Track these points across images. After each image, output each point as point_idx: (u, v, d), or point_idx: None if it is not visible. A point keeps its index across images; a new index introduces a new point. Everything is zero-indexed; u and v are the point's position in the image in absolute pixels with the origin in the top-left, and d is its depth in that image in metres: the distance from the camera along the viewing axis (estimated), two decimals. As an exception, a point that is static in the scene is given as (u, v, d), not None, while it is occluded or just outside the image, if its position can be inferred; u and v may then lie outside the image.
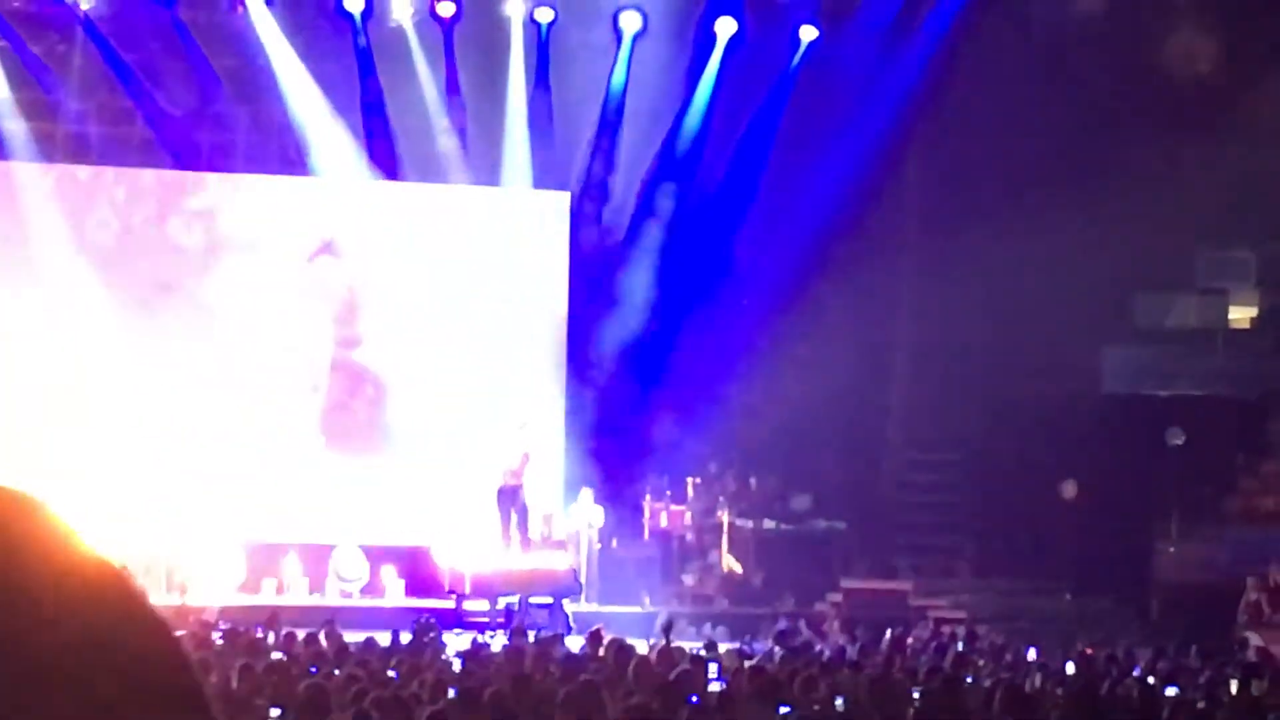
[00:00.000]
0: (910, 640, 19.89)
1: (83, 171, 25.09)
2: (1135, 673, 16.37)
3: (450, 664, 15.42)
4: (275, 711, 11.45)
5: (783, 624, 21.25)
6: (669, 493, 26.04)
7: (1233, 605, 23.34)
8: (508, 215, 26.40)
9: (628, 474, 26.05)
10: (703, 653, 16.21)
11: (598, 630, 17.14)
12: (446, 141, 26.27)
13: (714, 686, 13.37)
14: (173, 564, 23.32)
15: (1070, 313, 26.46)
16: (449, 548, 23.85)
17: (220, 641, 16.19)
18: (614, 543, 25.38)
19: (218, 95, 25.64)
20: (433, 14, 25.85)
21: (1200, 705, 13.13)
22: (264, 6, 25.37)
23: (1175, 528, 25.69)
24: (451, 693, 12.05)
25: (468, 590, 22.89)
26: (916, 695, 12.89)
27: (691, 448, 26.38)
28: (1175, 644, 19.30)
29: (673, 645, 16.14)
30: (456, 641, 18.48)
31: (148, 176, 25.20)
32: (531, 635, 17.93)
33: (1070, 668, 16.91)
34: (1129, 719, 12.73)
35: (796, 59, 26.87)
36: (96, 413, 24.37)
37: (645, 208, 26.87)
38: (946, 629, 21.78)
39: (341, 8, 25.56)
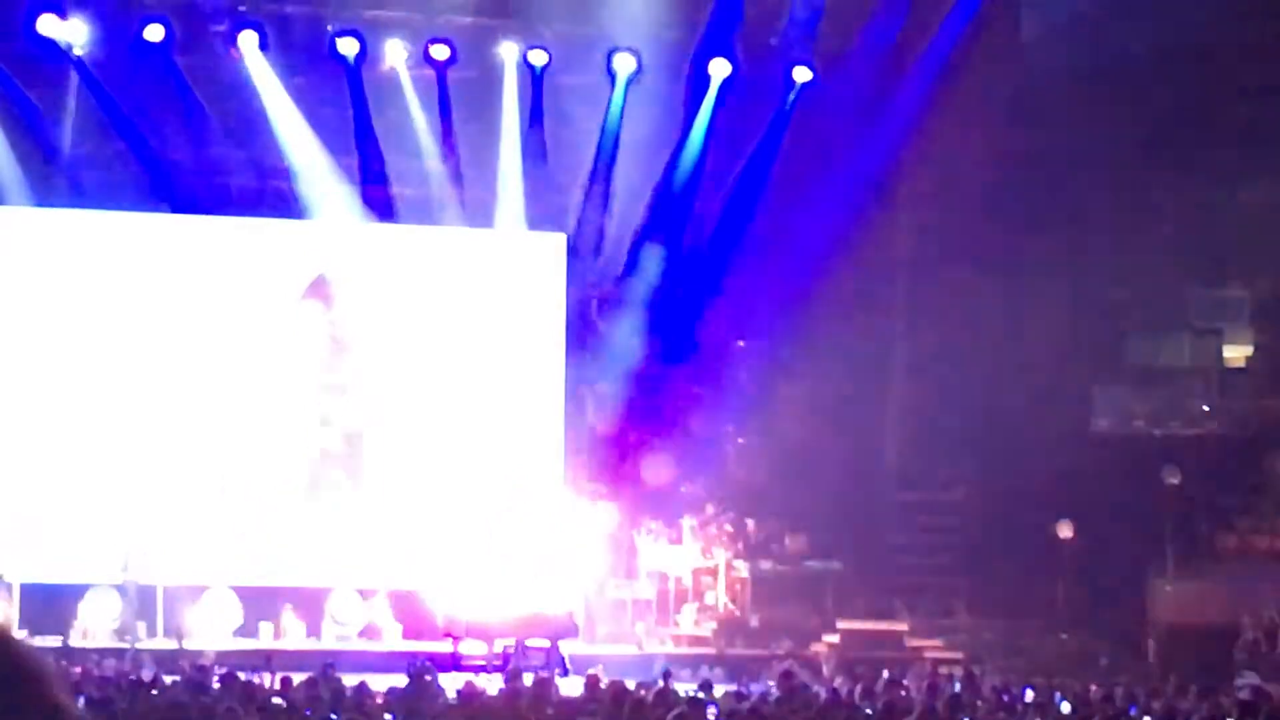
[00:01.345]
0: (907, 681, 19.87)
1: (78, 215, 25.10)
2: (1132, 712, 16.34)
3: (447, 707, 15.37)
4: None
5: (778, 665, 21.20)
6: (665, 534, 25.99)
7: (1230, 644, 23.32)
8: (503, 257, 26.42)
9: (624, 515, 26.02)
10: (699, 695, 16.19)
11: (594, 674, 17.11)
12: (441, 184, 26.30)
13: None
14: (169, 607, 23.34)
15: (1064, 352, 26.49)
16: (444, 590, 23.81)
17: (217, 686, 16.15)
18: (611, 584, 25.35)
19: (212, 139, 25.67)
20: (427, 57, 25.89)
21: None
22: (258, 50, 25.43)
23: (1171, 567, 25.66)
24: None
25: (464, 633, 22.84)
26: (914, 737, 12.88)
27: (688, 489, 26.37)
28: (1172, 683, 19.27)
29: (669, 687, 16.11)
30: (453, 685, 18.41)
31: (143, 220, 25.21)
32: (528, 678, 17.87)
33: (1066, 708, 16.87)
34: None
35: (790, 100, 26.92)
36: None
37: (640, 249, 26.87)
38: (943, 669, 21.75)
39: (336, 51, 25.62)
